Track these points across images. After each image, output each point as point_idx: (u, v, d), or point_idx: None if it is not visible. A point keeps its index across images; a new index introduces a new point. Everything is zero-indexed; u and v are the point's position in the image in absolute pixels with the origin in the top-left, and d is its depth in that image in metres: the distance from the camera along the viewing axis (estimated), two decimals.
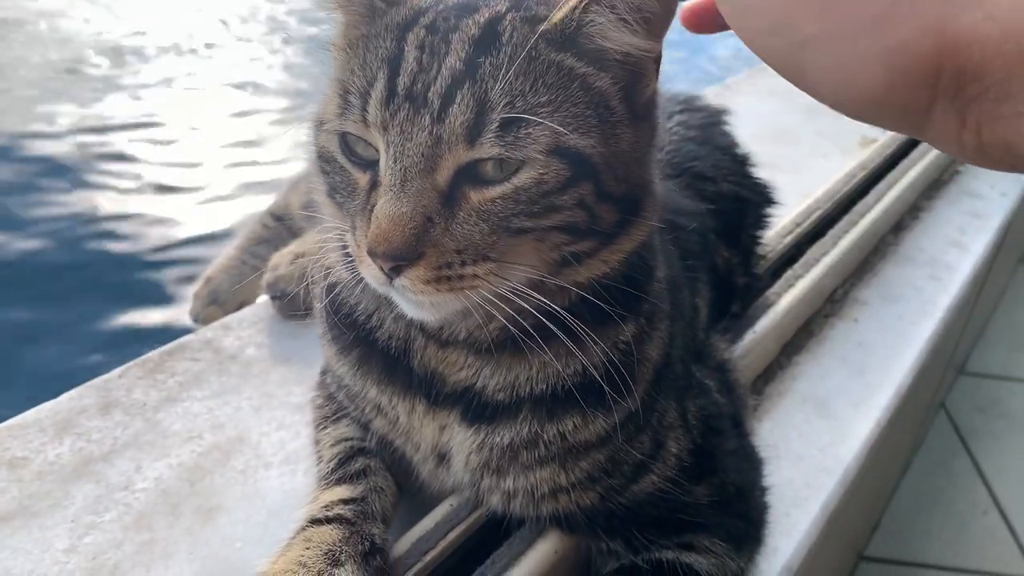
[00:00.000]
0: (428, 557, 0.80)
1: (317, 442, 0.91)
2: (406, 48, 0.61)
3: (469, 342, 0.72)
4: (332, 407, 0.91)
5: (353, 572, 0.71)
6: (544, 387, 0.71)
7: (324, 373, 0.94)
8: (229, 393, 1.11)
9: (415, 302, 0.63)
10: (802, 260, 1.34)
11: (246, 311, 1.29)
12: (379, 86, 0.61)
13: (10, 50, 4.78)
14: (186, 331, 1.25)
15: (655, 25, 0.60)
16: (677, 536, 0.80)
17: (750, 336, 1.13)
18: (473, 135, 0.58)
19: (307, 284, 1.14)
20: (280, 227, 1.47)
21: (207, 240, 3.14)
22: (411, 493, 0.88)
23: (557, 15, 0.60)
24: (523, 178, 0.58)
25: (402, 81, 0.60)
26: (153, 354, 1.17)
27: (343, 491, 0.80)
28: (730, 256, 1.10)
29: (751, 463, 0.92)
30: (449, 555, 0.82)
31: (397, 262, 0.59)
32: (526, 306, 0.63)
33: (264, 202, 1.53)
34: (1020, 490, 2.12)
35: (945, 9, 0.37)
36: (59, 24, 5.28)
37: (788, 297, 1.24)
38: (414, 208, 0.58)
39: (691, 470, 0.80)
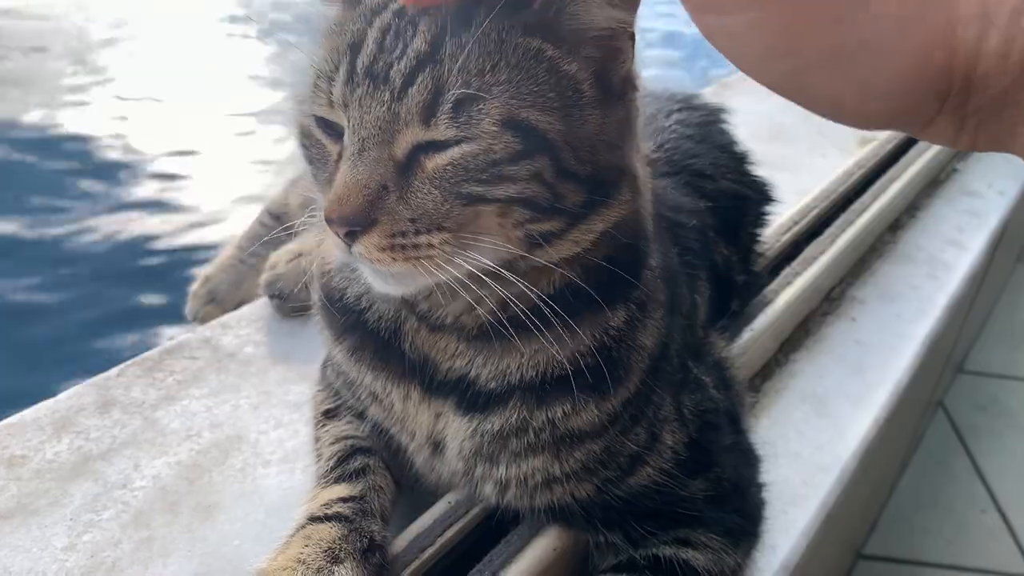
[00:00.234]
0: (426, 554, 0.80)
1: (316, 440, 0.91)
2: (370, 31, 0.63)
3: (457, 327, 0.72)
4: (332, 403, 0.91)
5: (352, 569, 0.71)
6: (534, 374, 0.71)
7: (325, 366, 0.95)
8: (227, 391, 1.11)
9: (377, 273, 0.64)
10: (800, 258, 1.35)
11: (244, 309, 1.29)
12: (343, 68, 0.63)
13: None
14: None
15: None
16: (674, 530, 0.80)
17: (748, 334, 1.13)
18: (428, 115, 0.59)
19: (306, 282, 1.14)
20: (278, 226, 1.47)
21: None
22: (407, 487, 0.89)
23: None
24: (473, 146, 0.59)
25: (361, 61, 0.62)
26: (152, 352, 1.17)
27: (342, 489, 0.80)
28: (729, 253, 1.10)
29: (748, 459, 0.92)
30: (447, 552, 0.82)
31: (351, 227, 0.60)
32: (502, 288, 0.63)
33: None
34: (1018, 488, 2.12)
35: (951, 24, 0.37)
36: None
37: (786, 295, 1.24)
38: (369, 176, 0.60)
39: (687, 464, 0.80)
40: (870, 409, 1.17)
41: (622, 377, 0.73)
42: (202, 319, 1.37)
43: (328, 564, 0.71)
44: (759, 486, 0.91)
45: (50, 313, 2.84)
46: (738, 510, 0.85)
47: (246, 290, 1.41)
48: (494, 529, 0.84)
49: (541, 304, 0.65)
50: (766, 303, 1.21)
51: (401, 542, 0.81)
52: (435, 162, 0.60)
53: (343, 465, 0.84)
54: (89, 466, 0.98)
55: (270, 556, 0.74)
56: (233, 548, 0.89)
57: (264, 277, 1.24)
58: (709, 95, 1.45)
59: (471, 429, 0.75)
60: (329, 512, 0.77)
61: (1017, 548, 1.95)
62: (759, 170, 1.24)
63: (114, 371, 1.13)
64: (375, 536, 0.76)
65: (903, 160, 1.77)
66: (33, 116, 4.04)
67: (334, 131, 0.66)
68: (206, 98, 4.55)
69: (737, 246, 1.13)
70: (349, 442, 0.87)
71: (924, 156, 1.79)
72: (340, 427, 0.89)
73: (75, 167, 3.67)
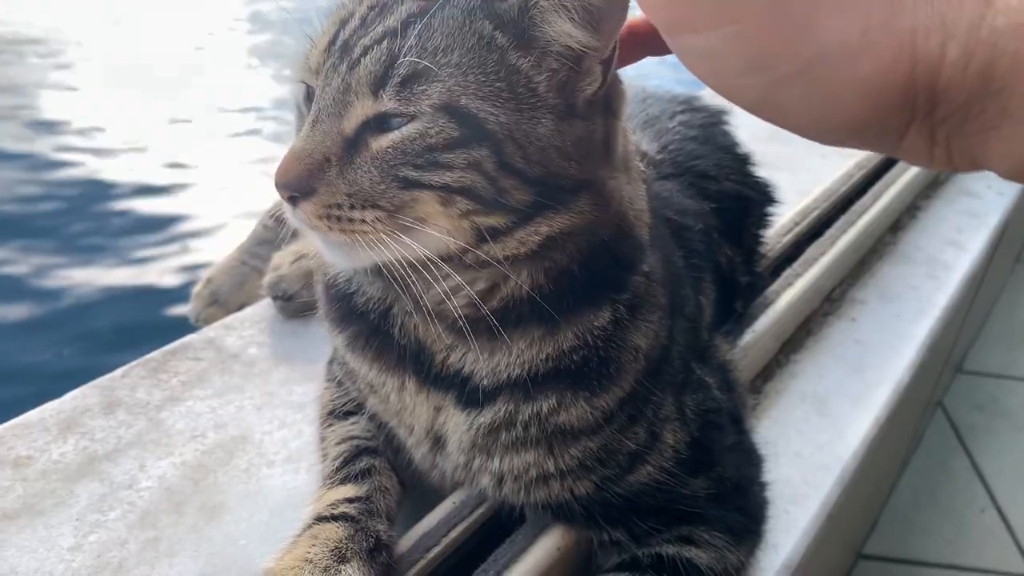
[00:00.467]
0: (432, 554, 0.80)
1: (322, 439, 0.91)
2: (359, 9, 0.66)
3: (441, 317, 0.73)
4: (339, 403, 0.92)
5: (359, 568, 0.72)
6: (521, 371, 0.72)
7: (331, 362, 0.95)
8: (232, 392, 1.12)
9: (323, 242, 0.67)
10: (801, 259, 1.35)
11: (248, 311, 1.30)
12: (325, 38, 0.66)
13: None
14: None
15: (601, 23, 0.60)
16: (677, 528, 0.80)
17: (750, 335, 1.14)
18: (377, 87, 0.61)
19: (309, 283, 1.15)
20: (280, 228, 1.47)
21: None
22: (410, 486, 0.89)
23: None
24: (410, 129, 0.61)
25: (342, 34, 0.65)
26: (156, 354, 1.17)
27: (348, 490, 0.81)
28: (733, 255, 1.10)
29: (750, 458, 0.92)
30: (452, 552, 0.83)
31: (291, 192, 0.63)
32: (457, 279, 0.66)
33: None
34: (1017, 488, 2.13)
35: (914, 34, 0.38)
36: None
37: (787, 296, 1.25)
38: (315, 147, 0.63)
39: (689, 463, 0.81)
40: (871, 409, 1.17)
41: (612, 376, 0.73)
42: (204, 320, 1.38)
43: (335, 563, 0.71)
44: (762, 485, 0.91)
45: None
46: (741, 508, 0.85)
47: (248, 292, 1.42)
48: (499, 529, 0.85)
49: (515, 303, 0.68)
50: (768, 304, 1.22)
51: (407, 542, 0.81)
52: (379, 143, 0.62)
53: (349, 466, 0.84)
54: (95, 467, 0.98)
55: (277, 556, 0.74)
56: (239, 548, 0.89)
57: (267, 278, 1.25)
58: (710, 97, 1.45)
59: (468, 423, 0.76)
60: (335, 512, 0.77)
61: (1016, 547, 1.96)
62: (760, 171, 1.24)
63: (118, 372, 1.13)
64: (381, 536, 0.76)
65: (903, 161, 1.77)
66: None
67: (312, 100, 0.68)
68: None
69: (740, 247, 1.13)
70: (355, 442, 0.87)
71: None
72: (346, 427, 0.89)
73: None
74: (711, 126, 1.19)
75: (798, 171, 1.72)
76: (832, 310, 1.39)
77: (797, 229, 1.43)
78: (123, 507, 0.93)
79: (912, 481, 2.13)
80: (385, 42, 0.61)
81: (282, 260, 1.25)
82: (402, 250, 0.64)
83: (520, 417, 0.73)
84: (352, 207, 0.63)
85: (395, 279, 0.67)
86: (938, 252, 1.61)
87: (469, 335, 0.69)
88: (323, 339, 0.89)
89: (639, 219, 0.74)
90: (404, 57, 0.60)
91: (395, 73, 0.60)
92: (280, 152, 0.66)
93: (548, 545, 0.82)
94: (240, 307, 1.37)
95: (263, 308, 1.29)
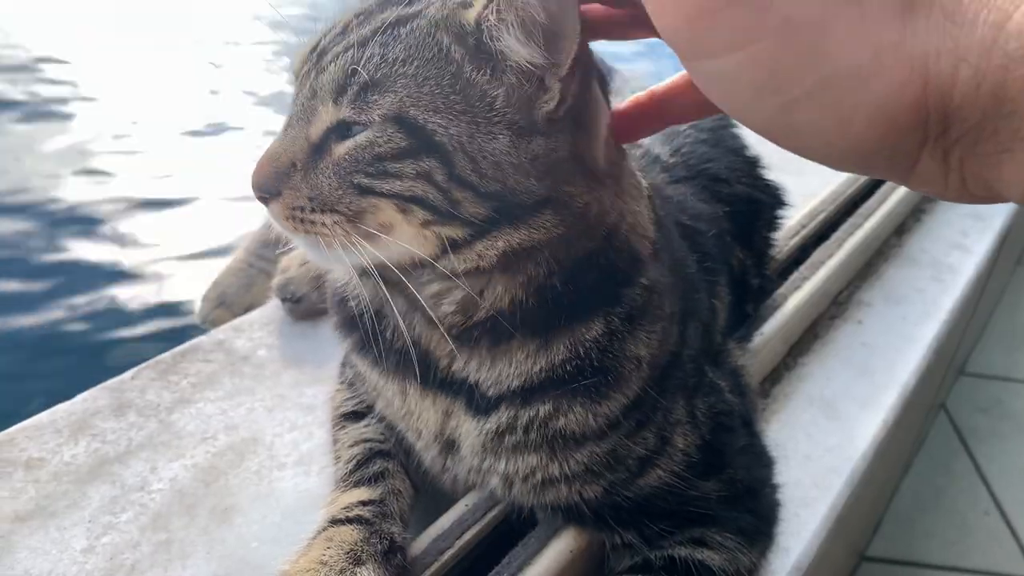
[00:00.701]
0: (445, 556, 0.80)
1: (335, 441, 0.92)
2: (347, 16, 0.67)
3: (435, 322, 0.73)
4: (351, 405, 0.92)
5: (374, 570, 0.72)
6: (520, 382, 0.73)
7: (344, 364, 0.95)
8: (242, 394, 1.12)
9: (300, 240, 0.69)
10: (808, 262, 1.35)
11: (257, 313, 1.30)
12: (309, 45, 0.68)
13: None
14: None
15: (551, 41, 0.59)
16: (688, 530, 0.80)
17: (759, 338, 1.14)
18: (337, 94, 0.63)
19: (318, 286, 1.15)
20: None
21: None
22: (423, 489, 0.89)
23: (471, 11, 0.61)
24: (362, 138, 0.63)
25: (323, 41, 0.67)
26: (165, 356, 1.18)
27: (362, 493, 0.81)
28: (744, 257, 1.11)
29: (761, 461, 0.92)
30: (466, 554, 0.83)
31: (260, 193, 0.66)
32: (436, 285, 0.69)
33: None
34: (1021, 490, 2.13)
35: (925, 57, 0.38)
36: None
37: (795, 299, 1.25)
38: (283, 151, 0.66)
39: (700, 466, 0.81)
40: (878, 411, 1.17)
41: (612, 384, 0.73)
42: (212, 322, 1.38)
43: (350, 566, 0.72)
44: (773, 487, 0.91)
45: None
46: (752, 511, 0.85)
47: (255, 294, 1.42)
48: (511, 532, 0.85)
49: (501, 315, 0.69)
50: (776, 307, 1.22)
51: (420, 544, 0.81)
52: (339, 149, 0.64)
53: (362, 469, 0.85)
54: (106, 468, 0.98)
55: (292, 558, 0.74)
56: (251, 550, 0.89)
57: (276, 280, 1.25)
58: None
59: (478, 429, 0.76)
60: (350, 515, 0.77)
61: (1019, 550, 1.96)
62: (767, 174, 1.24)
63: (128, 374, 1.13)
64: (395, 538, 0.77)
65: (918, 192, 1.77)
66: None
67: None
68: None
69: (751, 250, 1.14)
70: (368, 445, 0.87)
71: None
72: (359, 430, 0.90)
73: None
74: (721, 128, 1.19)
75: (805, 174, 1.71)
76: (839, 313, 1.40)
77: (804, 232, 1.43)
78: (135, 509, 0.93)
79: (915, 483, 2.13)
80: (351, 51, 0.63)
81: (291, 262, 1.26)
82: (375, 254, 0.66)
83: (520, 421, 0.74)
84: (313, 210, 0.65)
85: (378, 282, 0.68)
86: (943, 255, 1.61)
87: (470, 342, 0.71)
88: (332, 341, 0.89)
89: (634, 233, 0.73)
90: (362, 67, 0.62)
91: (354, 82, 0.62)
92: None
93: (561, 548, 0.82)
94: (247, 309, 1.37)
95: (272, 310, 1.29)
